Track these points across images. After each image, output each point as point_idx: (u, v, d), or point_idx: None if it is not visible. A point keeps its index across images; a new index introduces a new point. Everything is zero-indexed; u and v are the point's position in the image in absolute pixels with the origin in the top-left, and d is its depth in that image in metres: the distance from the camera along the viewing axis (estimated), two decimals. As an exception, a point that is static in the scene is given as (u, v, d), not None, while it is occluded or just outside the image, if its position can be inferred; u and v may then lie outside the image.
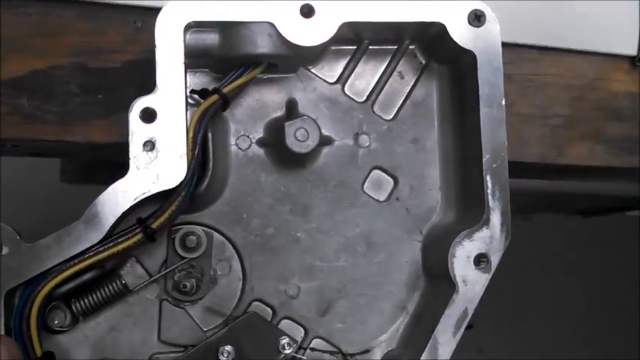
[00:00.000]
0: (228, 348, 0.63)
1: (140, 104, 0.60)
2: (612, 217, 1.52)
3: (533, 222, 1.84)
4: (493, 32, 0.66)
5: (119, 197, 0.60)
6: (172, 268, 0.65)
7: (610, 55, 0.84)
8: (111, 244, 0.60)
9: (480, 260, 0.64)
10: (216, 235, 0.67)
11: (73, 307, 0.63)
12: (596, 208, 1.52)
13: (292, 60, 0.66)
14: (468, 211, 0.67)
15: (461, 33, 0.65)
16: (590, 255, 1.98)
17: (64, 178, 1.21)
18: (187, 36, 0.63)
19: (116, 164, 0.63)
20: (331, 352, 0.68)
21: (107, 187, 0.60)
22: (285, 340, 0.65)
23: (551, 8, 0.82)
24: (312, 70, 0.69)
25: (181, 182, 0.60)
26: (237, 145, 0.68)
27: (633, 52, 0.84)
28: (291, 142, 0.64)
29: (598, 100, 0.84)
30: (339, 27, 0.64)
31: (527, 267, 1.88)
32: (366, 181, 0.69)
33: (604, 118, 0.84)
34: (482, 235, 0.64)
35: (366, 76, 0.70)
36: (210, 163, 0.65)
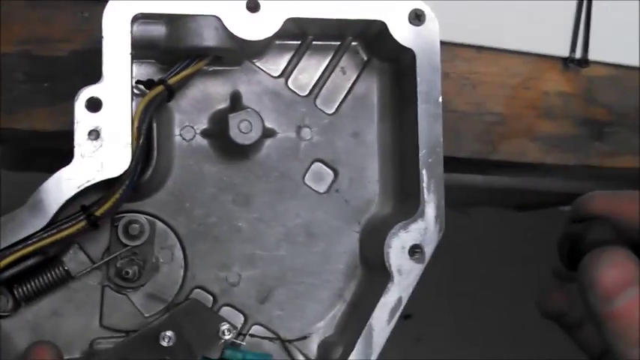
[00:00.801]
0: (169, 333, 0.64)
1: (86, 93, 0.61)
2: (546, 212, 1.57)
3: (470, 215, 1.88)
4: (432, 31, 0.68)
5: (63, 185, 0.60)
6: (115, 255, 0.66)
7: (544, 55, 0.87)
8: (54, 230, 0.61)
9: (415, 251, 0.66)
10: (159, 223, 0.68)
11: (15, 292, 0.64)
12: (530, 203, 1.56)
13: (237, 53, 0.68)
14: (405, 203, 0.70)
15: (401, 31, 0.67)
16: (524, 248, 2.03)
17: (3, 165, 1.20)
18: (134, 27, 0.63)
19: (58, 151, 0.63)
20: (270, 339, 0.69)
21: (50, 175, 0.60)
22: (225, 327, 0.66)
23: (489, 8, 0.84)
24: (257, 64, 0.71)
25: (125, 171, 0.61)
26: (181, 135, 0.69)
27: (566, 53, 0.87)
28: (234, 134, 0.66)
29: (531, 99, 0.86)
30: (284, 22, 0.65)
31: (464, 258, 1.92)
32: (307, 173, 0.71)
33: (537, 117, 0.87)
34: (417, 226, 0.66)
35: (310, 71, 0.72)
36: (155, 153, 0.66)
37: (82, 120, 0.61)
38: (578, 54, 0.87)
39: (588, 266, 0.55)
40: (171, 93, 0.65)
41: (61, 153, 0.62)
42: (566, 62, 0.87)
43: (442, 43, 0.68)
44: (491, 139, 0.84)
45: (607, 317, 0.54)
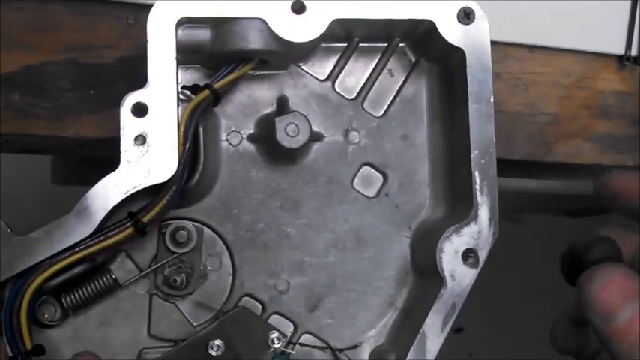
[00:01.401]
0: (217, 342, 0.63)
1: (132, 99, 0.61)
2: (600, 218, 1.53)
3: (522, 224, 1.84)
4: (482, 30, 0.66)
5: (110, 191, 0.60)
6: (162, 262, 0.65)
7: (598, 53, 0.85)
8: (101, 237, 0.60)
9: (468, 255, 0.64)
10: (206, 230, 0.67)
11: (64, 301, 0.63)
12: (584, 209, 1.52)
13: (283, 56, 0.67)
14: (457, 206, 0.68)
15: (450, 30, 0.66)
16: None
17: (55, 180, 1.21)
18: (179, 32, 0.63)
19: (108, 164, 0.63)
20: (320, 347, 0.68)
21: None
22: (274, 335, 0.65)
23: (540, 7, 0.82)
24: (303, 67, 0.70)
25: (172, 176, 0.61)
26: (227, 140, 0.68)
27: (621, 51, 0.85)
28: (281, 138, 0.65)
29: (586, 99, 0.84)
30: (330, 24, 0.64)
31: (515, 269, 1.88)
32: (356, 178, 0.70)
33: (591, 117, 0.84)
34: (470, 230, 0.64)
35: (357, 74, 0.71)
36: (201, 158, 0.65)
37: (128, 125, 0.60)
38: (633, 52, 0.85)
39: (586, 283, 0.53)
40: (217, 98, 0.64)
41: (109, 164, 0.61)
42: (622, 60, 0.85)
43: (493, 42, 0.66)
44: (545, 140, 0.82)
45: (610, 336, 0.51)
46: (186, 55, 0.64)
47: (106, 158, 0.65)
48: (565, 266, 0.58)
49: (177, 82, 0.62)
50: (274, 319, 0.68)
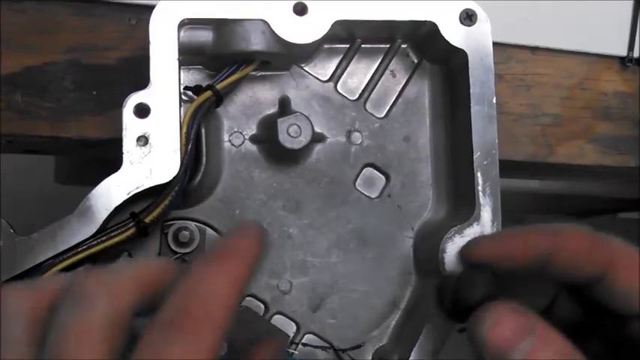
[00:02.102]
0: (220, 342, 0.63)
1: (134, 99, 0.61)
2: (603, 219, 1.53)
3: (525, 223, 1.84)
4: (484, 31, 0.66)
5: (112, 191, 0.60)
6: (165, 263, 0.65)
7: (601, 55, 0.85)
8: (104, 238, 0.60)
9: (471, 256, 0.64)
10: (209, 230, 0.67)
11: (66, 301, 0.63)
12: (587, 209, 1.52)
13: (285, 57, 0.67)
14: (459, 207, 0.68)
15: (452, 32, 0.66)
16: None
17: (58, 179, 1.21)
18: (181, 33, 0.63)
19: (110, 164, 0.63)
20: (323, 348, 0.68)
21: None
22: (277, 335, 0.65)
23: (543, 8, 0.82)
24: (305, 68, 0.70)
25: (174, 177, 0.61)
26: (230, 141, 0.68)
27: (624, 52, 0.85)
28: (283, 139, 0.65)
29: (588, 100, 0.84)
30: (332, 25, 0.64)
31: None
32: (358, 178, 0.70)
33: (594, 118, 0.84)
34: (473, 230, 0.64)
35: (359, 75, 0.71)
36: (204, 159, 0.65)
37: (131, 126, 0.61)
38: (636, 53, 0.85)
39: (475, 329, 0.51)
40: (219, 99, 0.65)
41: (111, 164, 0.61)
42: (624, 62, 0.85)
43: (495, 44, 0.66)
44: (547, 141, 0.82)
45: None
46: (189, 56, 0.64)
47: (109, 159, 0.65)
48: (445, 310, 0.56)
49: (180, 83, 0.62)
50: (277, 320, 0.68)
